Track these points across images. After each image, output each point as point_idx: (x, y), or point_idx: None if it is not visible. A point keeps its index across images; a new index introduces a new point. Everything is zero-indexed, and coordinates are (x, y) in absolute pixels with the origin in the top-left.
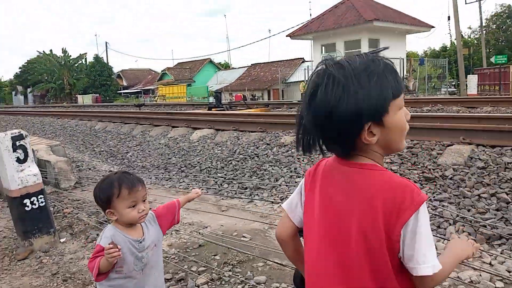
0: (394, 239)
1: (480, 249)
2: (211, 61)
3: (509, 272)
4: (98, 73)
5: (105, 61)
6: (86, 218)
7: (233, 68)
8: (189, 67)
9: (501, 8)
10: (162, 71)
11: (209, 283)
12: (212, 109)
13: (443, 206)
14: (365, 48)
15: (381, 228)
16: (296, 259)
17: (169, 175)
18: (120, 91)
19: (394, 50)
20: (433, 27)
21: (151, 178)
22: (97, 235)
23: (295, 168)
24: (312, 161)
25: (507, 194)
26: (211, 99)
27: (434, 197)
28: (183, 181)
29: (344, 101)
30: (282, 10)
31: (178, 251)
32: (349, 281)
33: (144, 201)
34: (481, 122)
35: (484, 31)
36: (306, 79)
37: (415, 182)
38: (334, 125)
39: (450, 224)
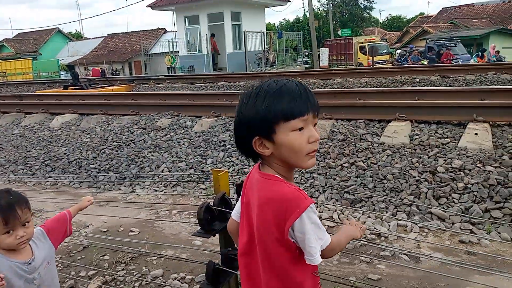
0: (286, 238)
1: (363, 228)
2: (59, 31)
3: (369, 230)
4: None
5: None
6: None
7: (86, 39)
8: (33, 38)
9: None
10: None
11: (104, 286)
12: (69, 88)
13: (313, 177)
14: (227, 21)
15: (273, 229)
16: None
17: (31, 171)
18: None
19: (255, 23)
20: (289, 1)
21: (9, 176)
22: None
23: (176, 153)
24: (193, 145)
25: (363, 162)
26: (63, 74)
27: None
28: (50, 177)
29: (241, 114)
30: None
31: (61, 257)
32: (256, 263)
33: (24, 225)
34: (337, 97)
35: (331, 5)
36: (171, 51)
37: None
38: (236, 126)
39: (320, 193)
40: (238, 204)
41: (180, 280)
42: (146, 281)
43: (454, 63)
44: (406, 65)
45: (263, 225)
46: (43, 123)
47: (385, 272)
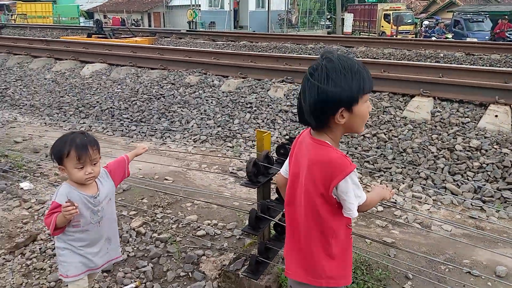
0: (329, 195)
1: (392, 192)
2: None
3: None
4: None
5: None
6: None
7: None
8: None
9: None
10: None
11: (144, 225)
12: (93, 36)
13: None
14: None
15: (319, 186)
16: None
17: (65, 116)
18: None
19: None
20: None
21: (44, 119)
22: (5, 184)
23: (205, 110)
24: (221, 104)
25: (385, 134)
26: (82, 20)
27: None
28: (84, 123)
29: (330, 88)
30: None
31: None
32: (301, 213)
33: (95, 164)
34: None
35: None
36: (192, 4)
37: None
38: (318, 105)
39: None
40: (286, 162)
41: (213, 226)
42: (182, 224)
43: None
44: (434, 38)
45: (311, 181)
46: (73, 70)
47: (398, 237)
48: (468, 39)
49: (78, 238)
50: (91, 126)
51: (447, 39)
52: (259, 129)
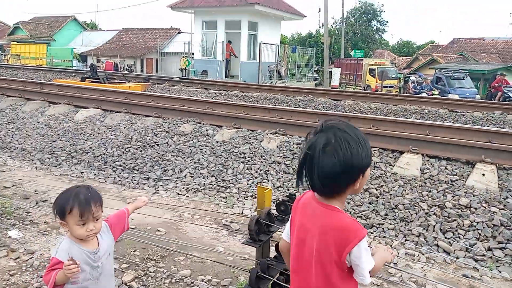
0: (342, 261)
1: (394, 254)
2: (75, 19)
3: None
4: None
5: None
6: None
7: (101, 30)
8: (48, 23)
9: (359, 3)
10: (14, 24)
11: (136, 280)
12: (86, 80)
13: None
14: (244, 30)
15: (332, 253)
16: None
17: (57, 161)
18: None
19: (270, 34)
20: (305, 16)
21: (35, 164)
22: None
23: (198, 159)
24: (215, 153)
25: (376, 190)
26: (75, 63)
27: None
28: (76, 169)
29: (354, 159)
30: None
31: None
32: (310, 280)
33: (97, 220)
34: (351, 121)
35: (344, 23)
36: (186, 51)
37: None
38: (341, 174)
39: None
40: (288, 226)
41: (207, 282)
42: (175, 279)
43: (463, 98)
44: (425, 94)
45: (324, 249)
46: (67, 115)
47: None
48: (450, 95)
49: None
50: (83, 172)
51: (433, 96)
52: (260, 185)
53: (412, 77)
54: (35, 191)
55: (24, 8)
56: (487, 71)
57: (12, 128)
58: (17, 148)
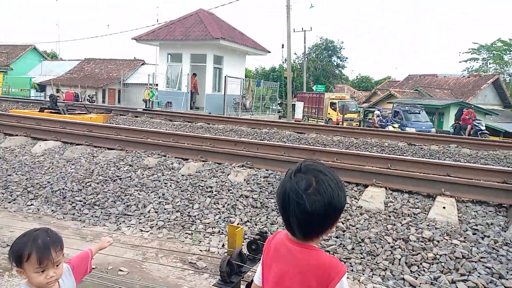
0: None
1: None
2: (35, 48)
3: None
4: None
5: None
6: None
7: (61, 60)
8: (6, 52)
9: (320, 40)
10: None
11: None
12: (45, 111)
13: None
14: (210, 63)
15: None
16: None
17: (11, 196)
18: None
19: (235, 68)
20: (269, 52)
21: None
22: None
23: (163, 194)
24: (180, 188)
25: (343, 223)
26: (34, 93)
27: None
28: (32, 205)
29: (339, 200)
30: (126, 7)
31: None
32: None
33: (57, 265)
34: (316, 154)
35: (306, 59)
36: (150, 83)
37: (272, 210)
38: (328, 217)
39: None
40: (259, 270)
41: None
42: None
43: (422, 132)
44: (391, 127)
45: (304, 286)
46: (24, 147)
47: None
48: (407, 129)
49: None
50: (39, 208)
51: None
52: (230, 224)
53: (377, 112)
54: None
55: None
56: (441, 106)
57: None
58: None
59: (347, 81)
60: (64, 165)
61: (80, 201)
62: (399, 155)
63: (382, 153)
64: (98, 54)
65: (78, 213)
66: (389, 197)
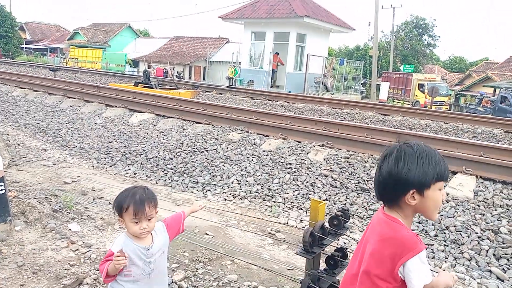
0: (395, 272)
1: (456, 280)
2: (129, 26)
3: None
4: None
5: (8, 9)
6: (38, 205)
7: (153, 37)
8: (105, 30)
9: (410, 18)
10: (74, 30)
11: (186, 280)
12: (139, 85)
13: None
14: (292, 41)
15: (386, 262)
16: None
17: (112, 161)
18: (23, 46)
19: (318, 46)
20: (354, 29)
21: (92, 162)
22: (55, 224)
23: (245, 167)
24: (261, 162)
25: None
26: (128, 68)
27: (369, 206)
28: (129, 169)
29: (403, 169)
30: None
31: None
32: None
33: (150, 219)
34: (401, 138)
35: (394, 37)
36: (234, 61)
37: (352, 191)
38: (390, 183)
39: None
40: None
41: None
42: (223, 282)
43: None
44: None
45: (378, 256)
46: (122, 118)
47: None
48: None
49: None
50: (136, 173)
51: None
52: (314, 199)
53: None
54: (92, 188)
55: (83, 15)
56: None
57: (72, 127)
58: (76, 146)
59: (438, 61)
60: (157, 135)
61: (171, 169)
62: (494, 142)
63: (473, 140)
64: (186, 32)
65: (169, 179)
66: (479, 186)
